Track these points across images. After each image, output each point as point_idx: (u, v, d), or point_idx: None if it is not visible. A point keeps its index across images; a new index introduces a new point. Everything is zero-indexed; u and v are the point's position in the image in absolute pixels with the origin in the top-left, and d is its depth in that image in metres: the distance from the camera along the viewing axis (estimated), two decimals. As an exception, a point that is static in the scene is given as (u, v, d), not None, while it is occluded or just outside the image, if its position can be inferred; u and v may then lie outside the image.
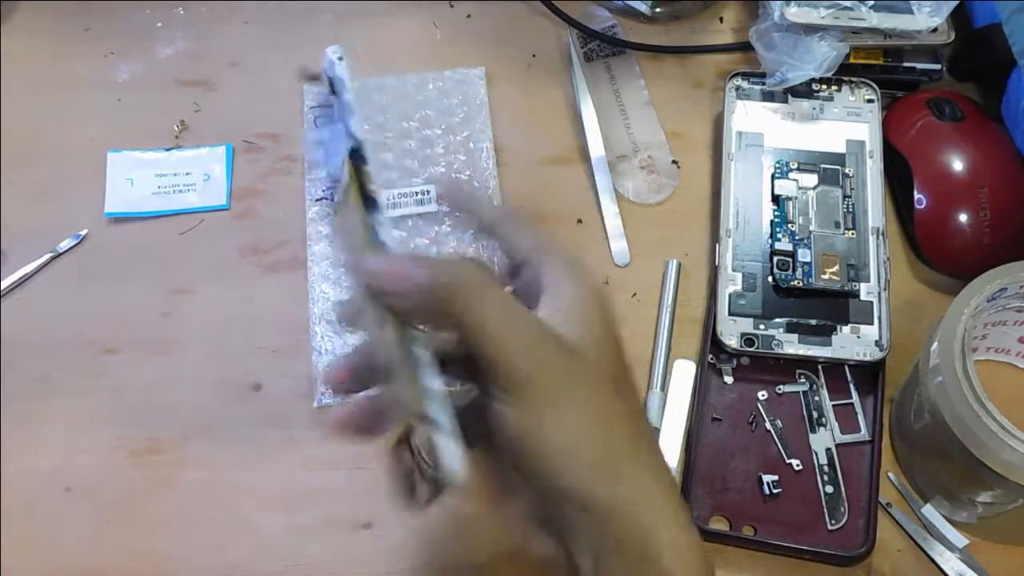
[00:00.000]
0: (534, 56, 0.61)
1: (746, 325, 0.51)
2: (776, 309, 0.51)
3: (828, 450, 0.49)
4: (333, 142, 0.30)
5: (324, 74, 0.30)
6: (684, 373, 0.51)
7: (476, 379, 0.30)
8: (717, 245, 0.53)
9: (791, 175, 0.54)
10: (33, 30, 0.63)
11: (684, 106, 0.59)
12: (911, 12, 0.55)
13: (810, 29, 0.54)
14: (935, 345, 0.43)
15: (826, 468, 0.48)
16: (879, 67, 0.57)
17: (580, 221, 0.56)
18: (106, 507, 0.49)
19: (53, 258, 0.55)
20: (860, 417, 0.49)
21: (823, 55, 0.54)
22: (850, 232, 0.53)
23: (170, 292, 0.54)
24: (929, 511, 0.47)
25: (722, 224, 0.53)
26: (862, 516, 0.47)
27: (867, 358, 0.50)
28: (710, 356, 0.51)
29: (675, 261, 0.54)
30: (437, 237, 0.55)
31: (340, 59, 0.30)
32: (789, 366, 0.51)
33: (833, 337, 0.50)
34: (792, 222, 0.53)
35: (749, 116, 0.56)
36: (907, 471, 0.49)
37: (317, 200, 0.56)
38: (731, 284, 0.52)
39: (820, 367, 0.51)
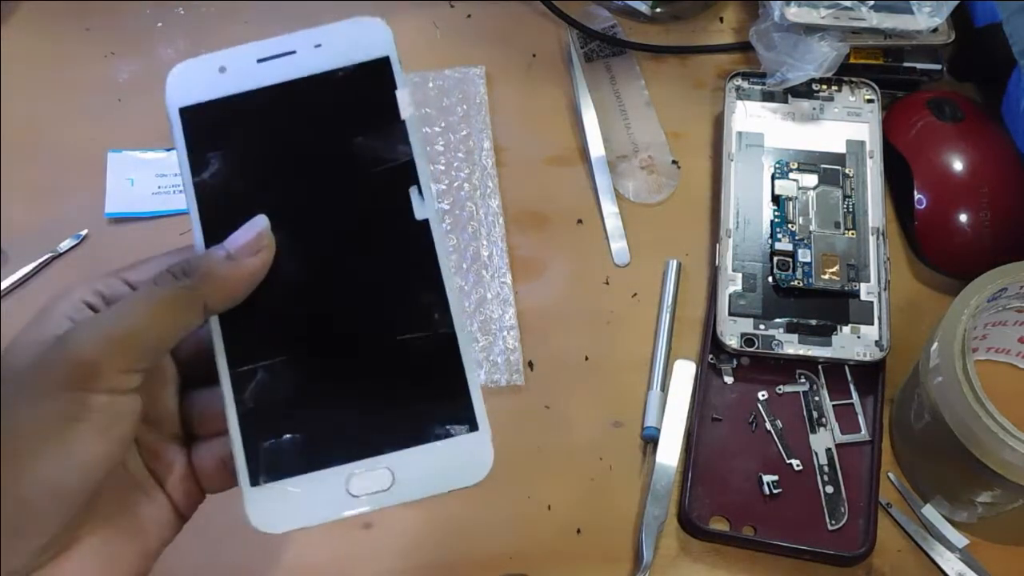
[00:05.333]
0: (534, 56, 0.61)
1: (746, 325, 0.51)
2: (776, 309, 0.51)
3: (828, 450, 0.49)
4: None
5: None
6: (684, 373, 0.51)
7: None
8: (717, 245, 0.53)
9: (791, 175, 0.54)
10: (33, 30, 0.63)
11: (684, 106, 0.59)
12: (911, 12, 0.55)
13: (810, 29, 0.54)
14: (935, 345, 0.43)
15: (826, 468, 0.48)
16: (879, 67, 0.57)
17: (580, 221, 0.56)
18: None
19: (53, 258, 0.55)
20: (860, 417, 0.49)
21: (823, 55, 0.54)
22: (850, 232, 0.53)
23: (170, 292, 0.54)
24: (929, 511, 0.47)
25: (722, 224, 0.53)
26: (862, 516, 0.47)
27: (867, 358, 0.50)
28: (710, 356, 0.51)
29: (675, 261, 0.54)
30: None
31: None
32: (789, 366, 0.51)
33: (833, 337, 0.50)
34: (792, 222, 0.53)
35: (749, 116, 0.56)
36: (907, 471, 0.49)
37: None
38: (731, 284, 0.52)
39: (820, 367, 0.51)
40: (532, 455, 0.50)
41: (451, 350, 0.30)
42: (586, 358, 0.52)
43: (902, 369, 0.50)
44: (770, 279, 0.52)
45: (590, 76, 0.60)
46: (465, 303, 0.53)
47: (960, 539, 0.47)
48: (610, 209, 0.56)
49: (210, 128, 0.31)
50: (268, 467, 0.30)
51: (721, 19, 0.63)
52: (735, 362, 0.51)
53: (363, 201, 0.31)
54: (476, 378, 0.30)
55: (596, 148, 0.57)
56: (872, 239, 0.52)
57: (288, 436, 0.30)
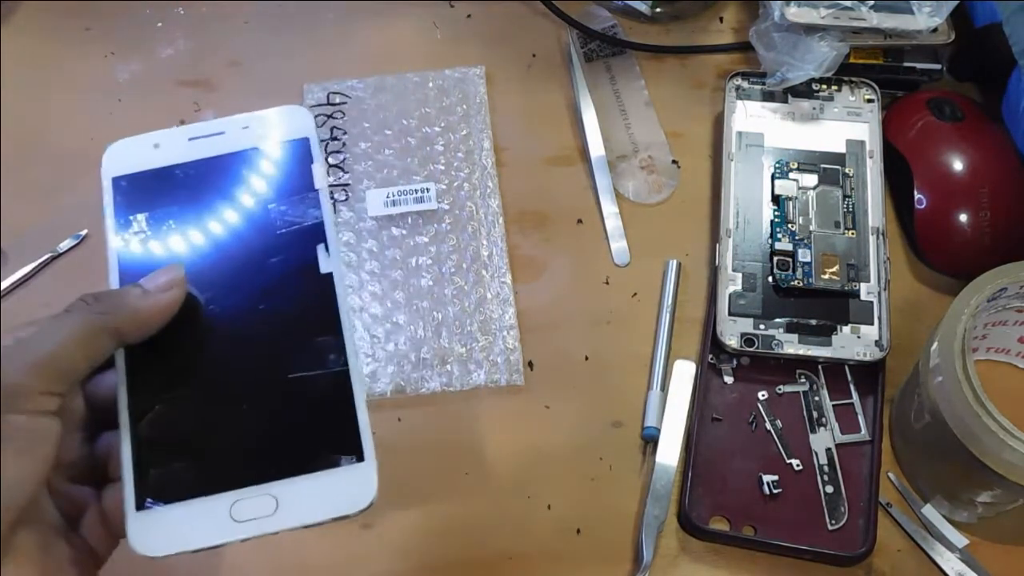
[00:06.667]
0: (534, 56, 0.61)
1: (746, 325, 0.51)
2: (776, 309, 0.51)
3: (828, 450, 0.49)
4: None
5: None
6: (684, 373, 0.51)
7: None
8: (717, 245, 0.53)
9: (791, 175, 0.54)
10: (33, 30, 0.63)
11: (684, 106, 0.59)
12: (911, 12, 0.55)
13: (810, 29, 0.54)
14: (935, 345, 0.43)
15: (826, 468, 0.48)
16: (879, 67, 0.57)
17: (580, 221, 0.56)
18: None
19: (53, 258, 0.55)
20: (860, 417, 0.49)
21: (823, 55, 0.54)
22: (850, 232, 0.53)
23: (170, 292, 0.54)
24: (929, 511, 0.47)
25: (722, 224, 0.53)
26: (862, 516, 0.47)
27: (867, 358, 0.50)
28: (710, 356, 0.51)
29: (675, 261, 0.54)
30: (436, 235, 0.55)
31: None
32: (789, 366, 0.51)
33: (833, 337, 0.50)
34: (792, 222, 0.53)
35: (749, 116, 0.56)
36: (907, 471, 0.49)
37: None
38: (731, 284, 0.52)
39: (820, 367, 0.51)
40: (532, 455, 0.50)
41: (344, 386, 0.32)
42: (586, 358, 0.52)
43: (902, 369, 0.50)
44: (770, 279, 0.52)
45: (590, 76, 0.60)
46: (465, 303, 0.53)
47: (960, 539, 0.47)
48: (610, 209, 0.56)
49: (138, 194, 0.35)
50: (154, 492, 0.31)
51: (721, 19, 0.63)
52: (735, 362, 0.51)
53: (274, 256, 0.34)
54: (365, 411, 0.32)
55: (596, 148, 0.57)
56: (872, 239, 0.52)
57: (177, 463, 0.32)
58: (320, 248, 0.34)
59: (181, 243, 0.35)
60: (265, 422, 0.32)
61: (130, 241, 0.35)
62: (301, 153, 0.35)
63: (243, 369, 0.33)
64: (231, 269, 0.34)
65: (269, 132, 0.36)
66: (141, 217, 0.35)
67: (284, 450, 0.32)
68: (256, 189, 0.35)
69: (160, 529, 0.31)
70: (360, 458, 0.32)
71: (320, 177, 0.35)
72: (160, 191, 0.35)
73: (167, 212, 0.35)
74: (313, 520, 0.31)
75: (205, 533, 0.31)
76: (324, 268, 0.34)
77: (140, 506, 0.31)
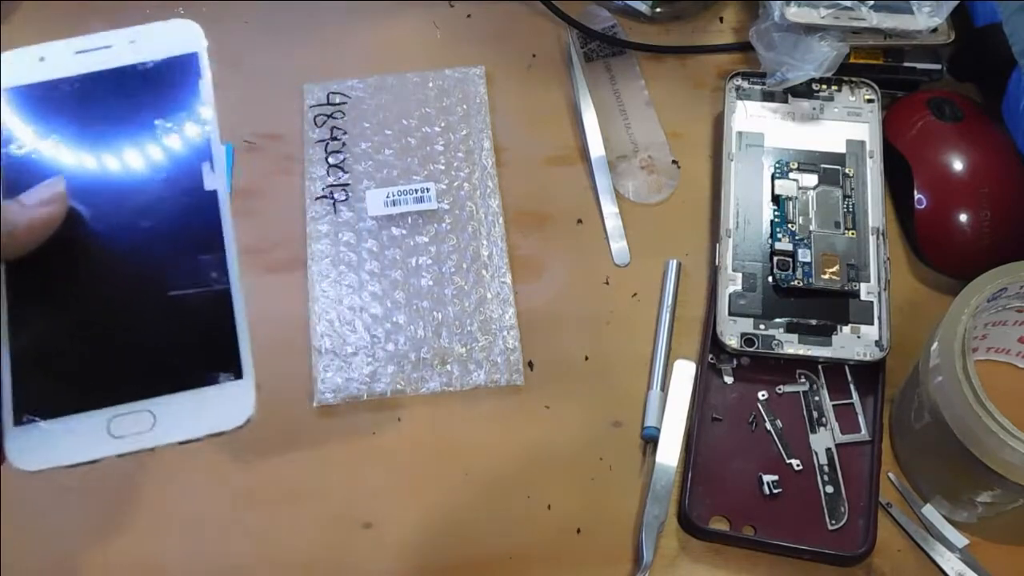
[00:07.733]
0: (534, 56, 0.61)
1: (746, 325, 0.51)
2: (776, 309, 0.51)
3: (828, 450, 0.49)
4: None
5: None
6: (684, 373, 0.51)
7: None
8: (717, 245, 0.53)
9: (791, 175, 0.54)
10: (33, 30, 0.63)
11: (684, 106, 0.59)
12: (911, 12, 0.55)
13: (810, 29, 0.55)
14: (935, 345, 0.43)
15: (826, 468, 0.48)
16: (879, 67, 0.57)
17: (580, 221, 0.56)
18: (104, 506, 0.49)
19: (53, 258, 0.55)
20: (860, 417, 0.49)
21: (823, 55, 0.54)
22: (850, 232, 0.53)
23: (170, 292, 0.54)
24: (929, 511, 0.47)
25: (722, 224, 0.53)
26: (862, 516, 0.47)
27: (867, 358, 0.50)
28: (710, 356, 0.51)
29: (675, 261, 0.54)
30: (436, 235, 0.55)
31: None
32: (789, 366, 0.51)
33: (833, 337, 0.50)
34: (792, 222, 0.53)
35: (749, 116, 0.56)
36: (907, 471, 0.49)
37: (317, 199, 0.56)
38: (731, 284, 0.52)
39: (820, 367, 0.51)
40: (532, 455, 0.50)
41: (224, 304, 0.33)
42: (586, 358, 0.52)
43: (902, 369, 0.50)
44: (770, 279, 0.52)
45: (590, 76, 0.60)
46: (465, 303, 0.53)
47: (960, 539, 0.47)
48: (610, 209, 0.56)
49: (23, 108, 0.35)
50: (33, 407, 0.32)
51: (721, 19, 0.63)
52: (735, 362, 0.51)
53: (158, 172, 0.34)
54: (246, 329, 0.32)
55: (596, 148, 0.57)
56: (872, 239, 0.52)
57: (55, 379, 0.32)
58: (205, 165, 0.34)
59: (65, 158, 0.34)
60: (144, 339, 0.33)
61: (13, 157, 0.35)
62: (190, 68, 0.35)
63: (124, 286, 0.33)
64: (115, 185, 0.34)
65: (157, 47, 0.36)
66: (26, 132, 0.35)
67: (163, 367, 0.32)
68: (142, 105, 0.35)
69: (38, 444, 0.31)
70: (239, 375, 0.32)
71: (207, 93, 0.35)
72: (45, 105, 0.35)
73: (52, 127, 0.35)
74: (190, 436, 0.31)
75: (82, 448, 0.31)
76: (209, 185, 0.34)
77: (18, 421, 0.31)
